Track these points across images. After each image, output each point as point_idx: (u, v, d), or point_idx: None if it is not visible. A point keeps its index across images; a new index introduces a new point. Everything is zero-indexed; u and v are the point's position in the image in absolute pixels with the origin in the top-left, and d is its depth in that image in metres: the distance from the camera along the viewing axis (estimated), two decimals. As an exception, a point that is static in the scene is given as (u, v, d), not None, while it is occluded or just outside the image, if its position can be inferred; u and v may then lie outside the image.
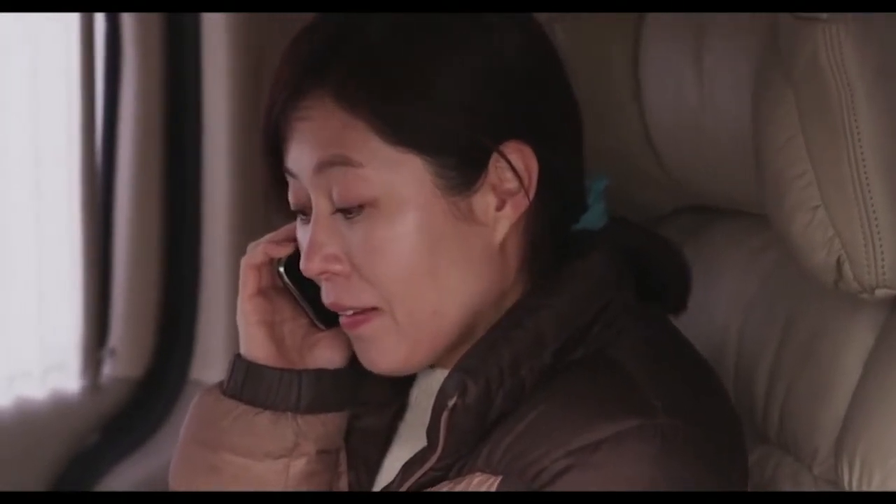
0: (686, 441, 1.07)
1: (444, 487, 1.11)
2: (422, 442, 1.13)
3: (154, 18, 1.98)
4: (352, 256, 1.13)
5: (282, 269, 1.21)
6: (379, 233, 1.12)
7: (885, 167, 1.14)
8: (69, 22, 1.94)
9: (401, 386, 1.24)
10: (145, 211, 2.04)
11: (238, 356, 1.22)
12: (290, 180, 1.16)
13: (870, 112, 1.14)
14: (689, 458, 1.08)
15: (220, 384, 1.23)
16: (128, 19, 1.98)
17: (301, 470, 1.20)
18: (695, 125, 1.39)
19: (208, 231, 2.05)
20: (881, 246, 1.16)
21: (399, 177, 1.11)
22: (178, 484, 1.23)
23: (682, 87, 1.39)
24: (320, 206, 1.14)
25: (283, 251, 1.21)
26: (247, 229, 2.00)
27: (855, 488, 1.16)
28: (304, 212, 1.16)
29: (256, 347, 1.21)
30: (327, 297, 1.16)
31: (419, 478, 1.13)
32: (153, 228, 2.05)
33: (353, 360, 1.19)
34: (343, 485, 1.24)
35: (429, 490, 1.12)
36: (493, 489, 1.08)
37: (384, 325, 1.14)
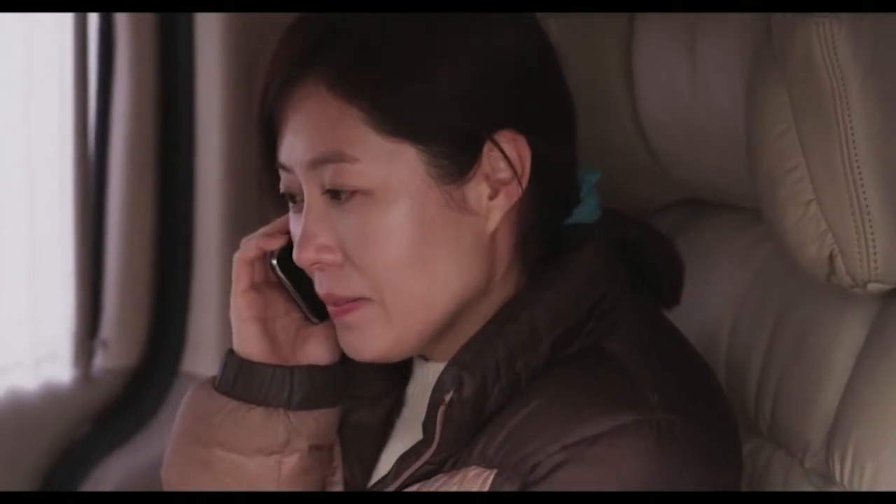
0: (681, 436, 1.08)
1: (440, 480, 1.11)
2: (418, 436, 1.13)
3: (147, 19, 1.98)
4: (344, 246, 1.13)
5: (274, 262, 1.21)
6: (372, 222, 1.11)
7: (877, 162, 1.14)
8: (62, 23, 1.93)
9: (395, 381, 1.24)
10: (138, 203, 2.04)
11: (230, 352, 1.22)
12: (283, 173, 1.16)
13: (863, 107, 1.14)
14: (684, 453, 1.08)
15: (213, 379, 1.23)
16: (121, 21, 1.97)
17: (294, 466, 1.20)
18: (688, 118, 1.39)
19: (200, 223, 2.05)
20: (873, 240, 1.16)
21: (393, 167, 1.11)
22: (170, 479, 1.23)
23: (676, 81, 1.39)
24: (313, 197, 1.13)
25: (276, 244, 1.21)
26: (239, 222, 2.00)
27: (846, 482, 1.17)
28: (295, 198, 1.16)
29: (249, 343, 1.21)
30: (320, 287, 1.15)
31: (414, 471, 1.13)
32: (145, 220, 2.05)
33: (346, 356, 1.19)
34: (337, 480, 1.24)
35: (423, 482, 1.12)
36: (488, 482, 1.08)
37: (373, 314, 1.13)
